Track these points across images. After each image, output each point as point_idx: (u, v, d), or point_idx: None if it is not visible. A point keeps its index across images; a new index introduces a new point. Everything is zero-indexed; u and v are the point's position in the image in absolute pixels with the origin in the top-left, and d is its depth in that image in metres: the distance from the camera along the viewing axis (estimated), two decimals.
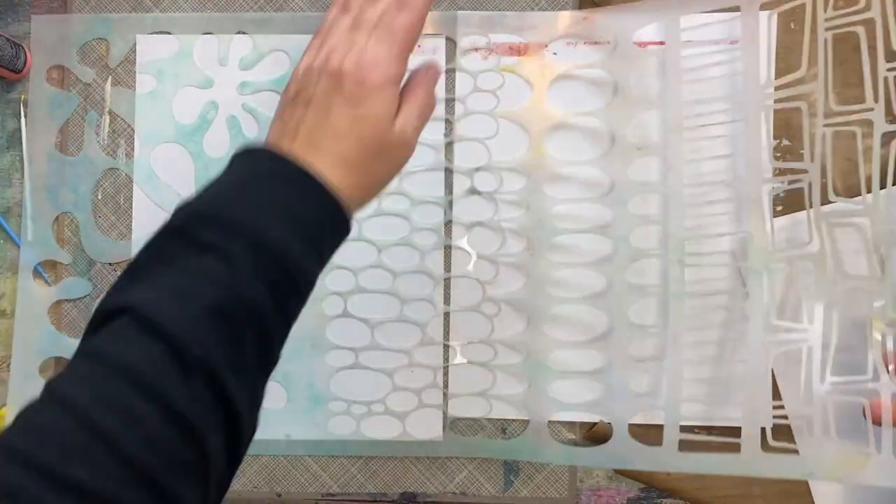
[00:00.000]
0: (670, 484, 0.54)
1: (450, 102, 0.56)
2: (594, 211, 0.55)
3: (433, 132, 0.56)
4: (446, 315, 0.55)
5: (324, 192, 0.35)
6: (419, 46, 0.55)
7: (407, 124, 0.38)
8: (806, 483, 0.53)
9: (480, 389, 0.55)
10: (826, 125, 0.50)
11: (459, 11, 0.56)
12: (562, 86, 0.55)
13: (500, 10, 0.56)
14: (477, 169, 0.55)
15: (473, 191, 0.55)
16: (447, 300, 0.55)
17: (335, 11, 0.40)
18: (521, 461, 0.55)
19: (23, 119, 0.56)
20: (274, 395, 0.55)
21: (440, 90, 0.55)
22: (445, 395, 0.55)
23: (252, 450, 0.54)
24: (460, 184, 0.55)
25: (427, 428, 0.55)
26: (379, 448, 0.55)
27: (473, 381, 0.55)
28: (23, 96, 0.57)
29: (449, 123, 0.56)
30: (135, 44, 0.57)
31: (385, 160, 0.38)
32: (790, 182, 0.52)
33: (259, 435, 0.55)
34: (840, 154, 0.51)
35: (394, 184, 0.54)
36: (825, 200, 0.50)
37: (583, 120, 0.55)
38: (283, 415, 0.55)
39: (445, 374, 0.55)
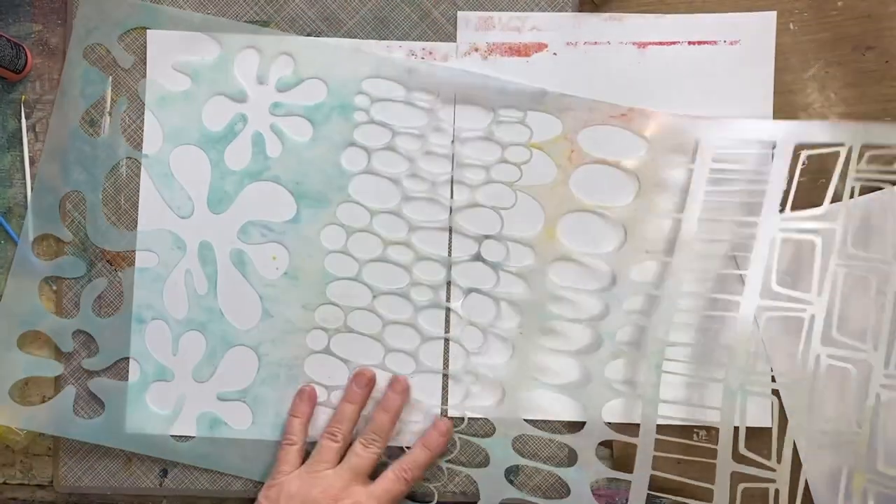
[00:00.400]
0: (669, 483, 0.54)
1: (468, 168, 0.56)
2: (591, 302, 0.55)
3: (448, 190, 0.56)
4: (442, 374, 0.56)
5: None
6: (427, 55, 0.56)
7: None
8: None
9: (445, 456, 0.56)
10: (839, 265, 0.51)
11: (460, 12, 0.56)
12: (587, 172, 0.55)
13: (500, 9, 0.56)
14: (486, 236, 0.55)
15: (479, 257, 0.55)
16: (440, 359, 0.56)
17: None
18: (519, 460, 0.55)
19: (23, 119, 0.56)
20: (240, 415, 0.55)
21: (442, 147, 0.55)
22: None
23: (212, 468, 0.55)
24: (466, 248, 0.55)
25: None
26: None
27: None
28: (23, 97, 0.57)
29: (464, 186, 0.56)
30: (178, 38, 0.56)
31: None
32: (788, 309, 0.52)
33: (215, 452, 0.56)
34: (852, 296, 0.51)
35: (402, 234, 0.55)
36: (827, 339, 0.51)
37: (601, 212, 0.55)
38: (244, 435, 0.55)
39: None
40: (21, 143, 0.57)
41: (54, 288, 0.56)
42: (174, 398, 0.56)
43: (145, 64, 0.56)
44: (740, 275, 0.53)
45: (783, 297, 0.52)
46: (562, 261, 0.55)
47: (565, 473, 0.54)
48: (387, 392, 0.54)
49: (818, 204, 0.52)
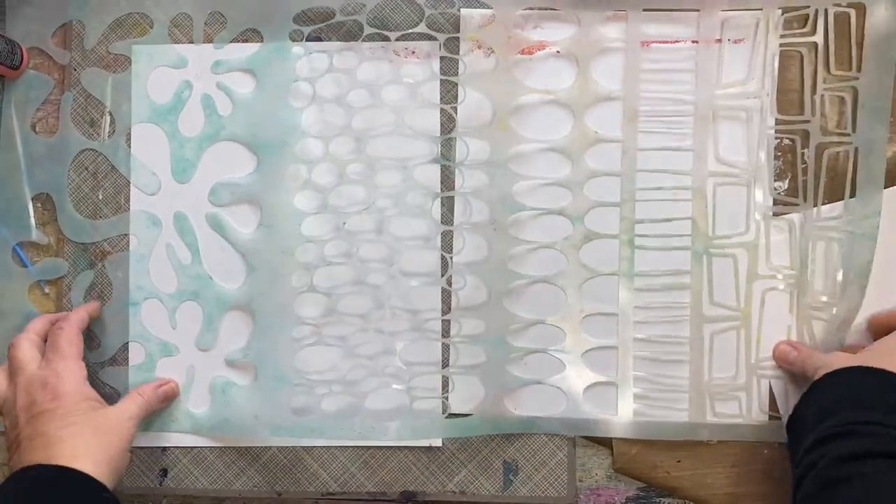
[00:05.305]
0: (669, 483, 0.54)
1: (411, 65, 0.56)
2: (553, 190, 0.55)
3: (398, 93, 0.55)
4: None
5: None
6: (413, 53, 0.55)
7: None
8: None
9: (438, 361, 0.55)
10: (770, 129, 0.54)
11: (462, 10, 0.55)
12: (527, 60, 0.55)
13: (503, 7, 0.55)
14: (443, 136, 0.55)
15: (438, 159, 0.55)
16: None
17: None
18: (519, 459, 0.55)
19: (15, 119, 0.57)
20: (246, 373, 0.56)
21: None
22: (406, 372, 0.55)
23: (230, 434, 0.55)
24: (424, 150, 0.55)
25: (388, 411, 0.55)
26: (340, 431, 0.55)
27: (433, 353, 0.55)
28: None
29: (414, 87, 0.55)
30: (108, 25, 0.57)
31: None
32: (733, 177, 0.54)
33: (231, 416, 0.55)
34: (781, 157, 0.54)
35: (353, 149, 0.55)
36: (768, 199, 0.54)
37: (546, 98, 0.55)
38: (251, 392, 0.55)
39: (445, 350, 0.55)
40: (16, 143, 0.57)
41: (46, 290, 0.57)
42: (183, 371, 0.56)
43: (83, 56, 0.57)
44: (690, 149, 0.54)
45: (724, 172, 0.54)
46: (518, 152, 0.55)
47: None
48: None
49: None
